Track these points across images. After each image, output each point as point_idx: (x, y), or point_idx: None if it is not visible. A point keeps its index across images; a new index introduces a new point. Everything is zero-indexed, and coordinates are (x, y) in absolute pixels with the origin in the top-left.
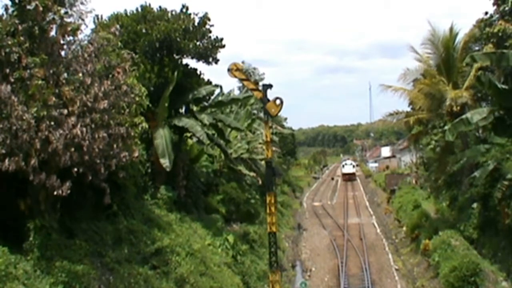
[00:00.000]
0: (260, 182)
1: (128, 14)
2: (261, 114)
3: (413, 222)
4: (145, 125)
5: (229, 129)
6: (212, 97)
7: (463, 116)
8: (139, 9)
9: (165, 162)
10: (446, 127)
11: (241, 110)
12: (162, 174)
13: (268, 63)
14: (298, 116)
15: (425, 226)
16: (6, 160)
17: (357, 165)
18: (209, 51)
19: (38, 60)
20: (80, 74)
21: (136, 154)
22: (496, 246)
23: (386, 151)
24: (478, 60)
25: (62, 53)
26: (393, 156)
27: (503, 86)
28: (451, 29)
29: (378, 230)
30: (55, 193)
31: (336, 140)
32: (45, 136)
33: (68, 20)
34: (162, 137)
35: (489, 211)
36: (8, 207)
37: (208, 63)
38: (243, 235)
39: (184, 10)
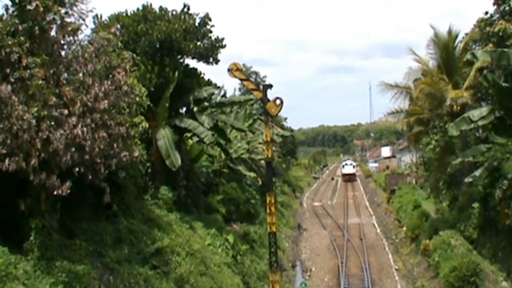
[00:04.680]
0: (260, 182)
1: (129, 14)
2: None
3: (413, 222)
4: (145, 124)
5: (229, 129)
6: (213, 97)
7: (465, 115)
8: (140, 9)
9: (171, 163)
10: (447, 126)
11: (241, 110)
12: (162, 174)
13: (268, 63)
14: (298, 116)
15: (425, 226)
16: (6, 160)
17: (357, 165)
18: (210, 52)
19: (38, 60)
20: (81, 74)
21: (136, 154)
22: (496, 246)
23: (386, 151)
24: (479, 57)
25: (63, 53)
26: (393, 156)
27: (506, 85)
28: (450, 29)
29: (378, 230)
30: (55, 193)
31: (336, 140)
32: (46, 136)
33: (69, 20)
34: (164, 137)
35: (489, 211)
36: (8, 207)
37: (209, 63)
38: (243, 235)
39: (185, 9)
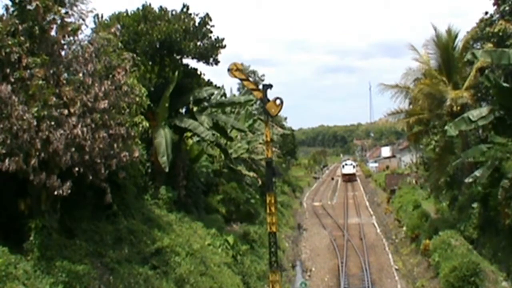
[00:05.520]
0: (260, 182)
1: (129, 14)
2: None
3: (413, 222)
4: (145, 124)
5: (229, 129)
6: (213, 97)
7: (464, 115)
8: (140, 9)
9: (164, 162)
10: (446, 127)
11: (241, 110)
12: (162, 174)
13: (268, 63)
14: (298, 116)
15: (425, 226)
16: (7, 160)
17: (357, 165)
18: (210, 52)
19: (38, 60)
20: (81, 74)
21: (136, 154)
22: (496, 246)
23: (386, 151)
24: (479, 56)
25: (63, 53)
26: (393, 156)
27: (506, 85)
28: (450, 29)
29: (378, 230)
30: (55, 193)
31: (336, 140)
32: (46, 136)
33: (69, 20)
34: (163, 136)
35: (489, 211)
36: (8, 207)
37: (208, 63)
38: (243, 235)
39: (184, 9)
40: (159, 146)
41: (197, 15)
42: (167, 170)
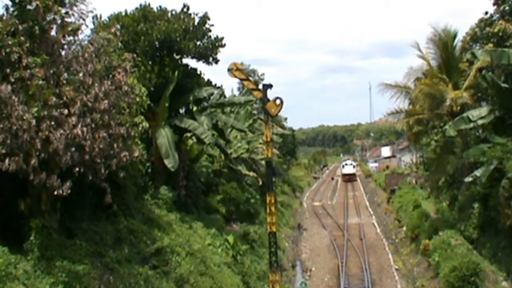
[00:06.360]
0: (260, 182)
1: (128, 14)
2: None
3: (413, 222)
4: (145, 124)
5: (229, 129)
6: (212, 97)
7: (464, 114)
8: (139, 9)
9: (170, 163)
10: (446, 127)
11: (241, 110)
12: (162, 174)
13: (268, 63)
14: (298, 116)
15: (425, 226)
16: (7, 160)
17: (357, 165)
18: (209, 51)
19: (38, 60)
20: (81, 74)
21: (136, 154)
22: (496, 246)
23: (386, 151)
24: (479, 56)
25: (63, 53)
26: (393, 156)
27: (505, 85)
28: (449, 29)
29: (378, 230)
30: (55, 193)
31: (336, 140)
32: (46, 136)
33: (69, 20)
34: (165, 137)
35: (489, 211)
36: (8, 207)
37: (208, 63)
38: (243, 235)
39: (185, 9)
40: (162, 147)
41: (196, 14)
42: (173, 170)
